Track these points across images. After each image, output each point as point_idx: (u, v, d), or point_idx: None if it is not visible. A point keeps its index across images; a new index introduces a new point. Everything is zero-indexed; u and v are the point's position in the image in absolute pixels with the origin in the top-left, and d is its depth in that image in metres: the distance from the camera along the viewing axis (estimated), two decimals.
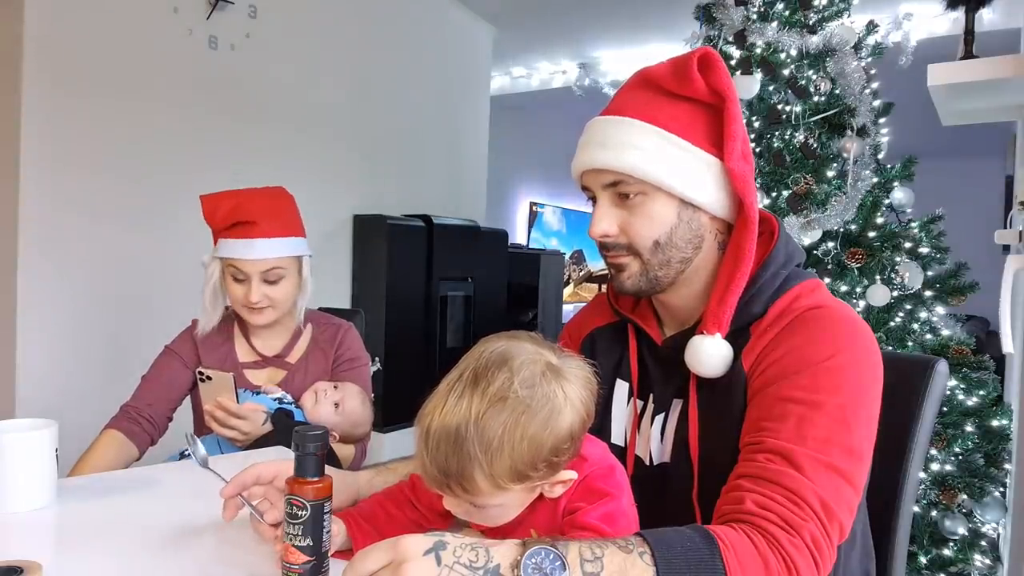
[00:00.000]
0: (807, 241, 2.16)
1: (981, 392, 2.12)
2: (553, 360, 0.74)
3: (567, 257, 7.16)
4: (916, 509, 2.04)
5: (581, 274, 7.44)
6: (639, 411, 0.97)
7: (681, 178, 0.87)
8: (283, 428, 1.42)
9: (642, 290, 0.92)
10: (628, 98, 0.92)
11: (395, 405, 3.54)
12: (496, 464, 0.69)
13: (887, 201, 2.24)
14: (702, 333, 0.87)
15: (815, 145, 2.22)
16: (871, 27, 2.33)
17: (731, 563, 0.67)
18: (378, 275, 3.58)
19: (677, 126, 0.88)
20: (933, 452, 2.09)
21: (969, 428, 2.10)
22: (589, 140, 0.91)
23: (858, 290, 2.15)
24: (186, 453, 1.47)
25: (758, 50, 2.32)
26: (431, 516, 0.88)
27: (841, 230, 2.18)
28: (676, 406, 0.92)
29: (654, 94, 0.90)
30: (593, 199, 0.93)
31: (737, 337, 0.87)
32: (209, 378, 1.46)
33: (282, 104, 3.15)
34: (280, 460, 0.88)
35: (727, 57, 2.40)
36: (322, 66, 3.35)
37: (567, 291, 6.83)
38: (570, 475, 0.75)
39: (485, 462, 0.69)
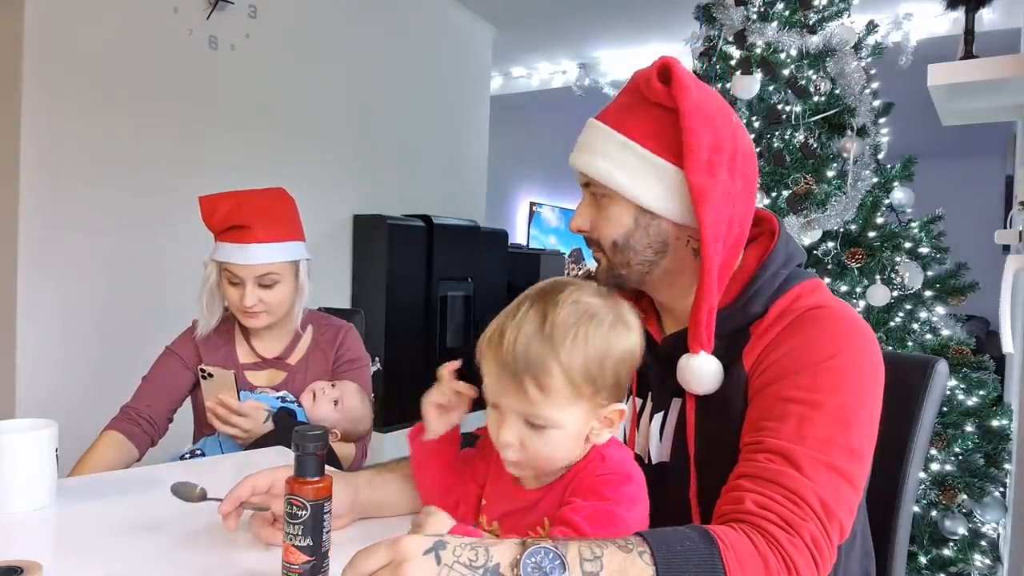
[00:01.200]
0: (807, 241, 2.16)
1: (981, 392, 2.12)
2: (606, 293, 0.82)
3: (567, 256, 7.16)
4: (916, 509, 2.04)
5: (580, 273, 7.43)
6: (638, 409, 0.97)
7: (637, 185, 0.88)
8: (285, 427, 1.42)
9: (610, 284, 0.95)
10: (615, 102, 0.95)
11: (395, 405, 3.54)
12: (574, 356, 0.73)
13: (887, 201, 2.24)
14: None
15: (815, 145, 2.22)
16: (871, 27, 2.33)
17: (731, 563, 0.67)
18: (378, 275, 3.58)
19: (640, 134, 0.88)
20: (933, 452, 2.09)
21: (969, 428, 2.10)
22: (578, 140, 0.95)
23: (858, 290, 2.15)
24: (185, 456, 1.48)
25: (758, 50, 2.32)
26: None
27: (841, 230, 2.18)
28: (675, 405, 0.92)
29: (634, 99, 0.92)
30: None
31: (737, 338, 0.87)
32: (211, 375, 1.46)
33: (282, 104, 3.15)
34: (273, 468, 0.88)
35: (727, 57, 2.41)
36: (322, 66, 3.35)
37: None
38: (619, 407, 0.79)
39: (564, 352, 0.73)
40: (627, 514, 0.75)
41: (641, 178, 0.88)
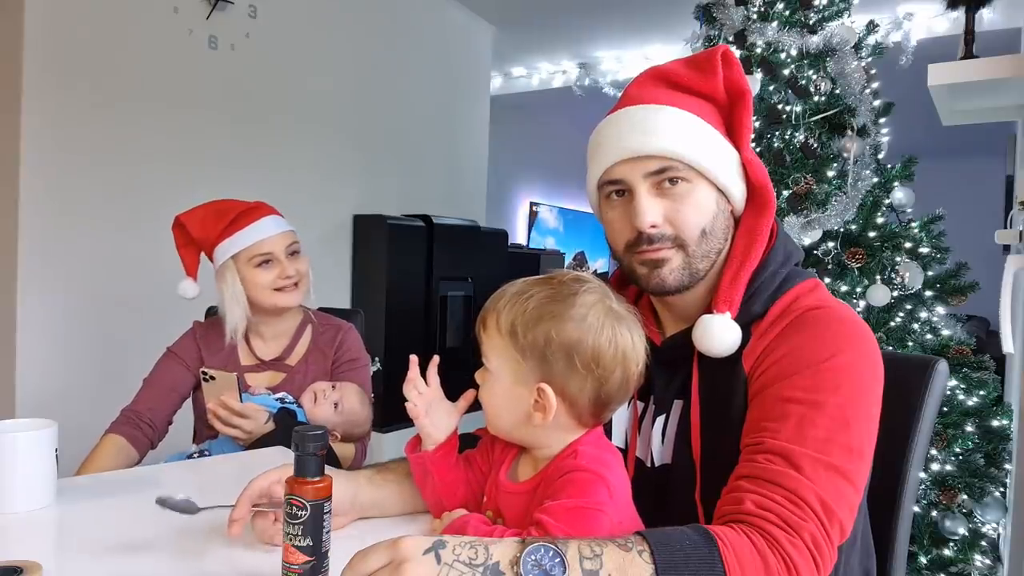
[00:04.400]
0: (807, 241, 2.16)
1: (981, 392, 2.12)
2: (614, 304, 0.82)
3: (571, 259, 7.17)
4: (916, 509, 2.04)
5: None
6: (639, 413, 0.97)
7: (722, 167, 0.89)
8: (286, 427, 1.42)
9: (683, 284, 0.90)
10: (651, 91, 0.92)
11: (395, 405, 3.52)
12: (505, 312, 0.81)
13: (887, 201, 2.24)
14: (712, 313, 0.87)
15: (815, 145, 2.22)
16: (871, 27, 2.33)
17: (730, 562, 0.67)
18: (378, 275, 3.58)
19: (708, 115, 0.90)
20: (933, 452, 2.09)
21: (969, 428, 2.10)
22: (628, 128, 0.89)
23: (858, 290, 2.15)
24: (193, 455, 1.48)
25: (758, 50, 2.32)
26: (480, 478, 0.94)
27: (841, 230, 2.18)
28: (677, 407, 0.92)
29: (672, 89, 0.91)
30: (620, 192, 0.91)
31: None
32: (212, 378, 1.46)
33: (282, 104, 3.15)
34: (275, 468, 0.88)
35: None
36: (322, 66, 3.35)
37: None
38: (552, 402, 0.79)
39: (502, 307, 0.81)
40: (599, 511, 0.75)
41: (719, 159, 0.89)
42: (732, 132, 0.92)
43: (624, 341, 0.80)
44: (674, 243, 0.89)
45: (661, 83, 0.92)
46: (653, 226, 0.88)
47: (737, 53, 2.37)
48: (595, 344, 0.78)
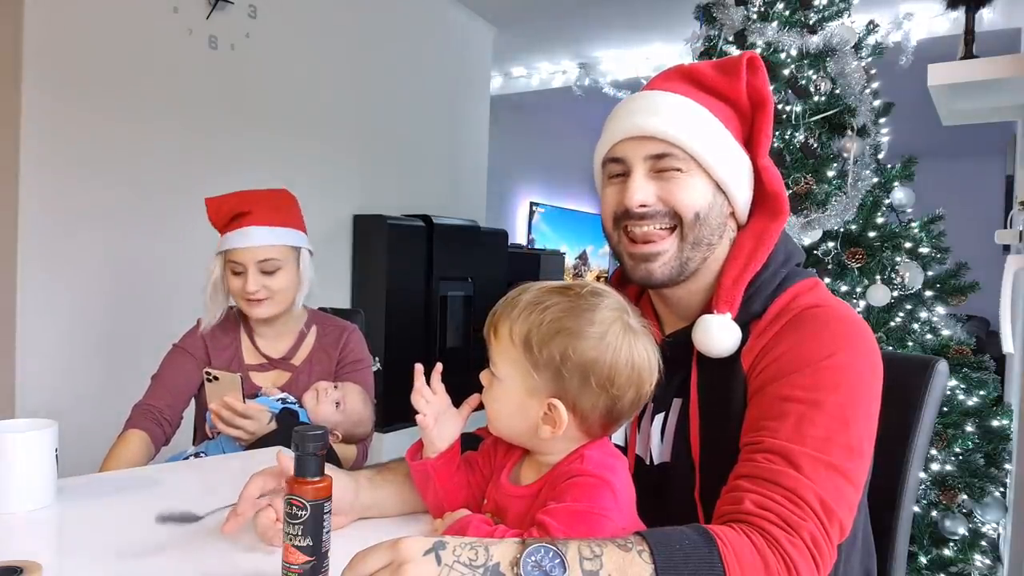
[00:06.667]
0: (807, 241, 2.16)
1: (981, 392, 2.12)
2: (631, 320, 0.80)
3: (575, 258, 7.18)
4: (916, 509, 2.04)
5: (593, 276, 7.45)
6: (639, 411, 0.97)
7: (725, 164, 0.90)
8: (287, 427, 1.42)
9: (672, 277, 0.91)
10: (673, 83, 0.94)
11: (395, 405, 3.53)
12: (519, 322, 0.79)
13: (887, 201, 2.24)
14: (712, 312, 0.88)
15: (815, 145, 2.22)
16: (871, 27, 2.33)
17: (730, 562, 0.67)
18: (378, 275, 3.58)
19: (723, 115, 0.91)
20: (933, 452, 2.09)
21: (969, 428, 2.10)
22: (639, 108, 0.91)
23: (858, 290, 2.15)
24: (189, 457, 1.47)
25: (758, 50, 2.32)
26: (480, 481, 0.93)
27: (841, 230, 2.18)
28: (676, 405, 0.92)
29: (694, 86, 0.93)
30: (621, 174, 0.92)
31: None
32: (216, 378, 1.46)
33: (282, 104, 3.15)
34: (275, 466, 0.87)
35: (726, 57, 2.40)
36: (322, 66, 3.35)
37: None
38: (556, 403, 0.78)
39: (516, 315, 0.79)
40: (604, 516, 0.74)
41: (727, 159, 0.90)
42: (751, 139, 0.94)
43: (640, 360, 0.79)
44: (670, 221, 0.90)
45: (685, 79, 0.94)
46: (642, 205, 0.89)
47: (737, 53, 2.37)
48: (612, 363, 0.77)
